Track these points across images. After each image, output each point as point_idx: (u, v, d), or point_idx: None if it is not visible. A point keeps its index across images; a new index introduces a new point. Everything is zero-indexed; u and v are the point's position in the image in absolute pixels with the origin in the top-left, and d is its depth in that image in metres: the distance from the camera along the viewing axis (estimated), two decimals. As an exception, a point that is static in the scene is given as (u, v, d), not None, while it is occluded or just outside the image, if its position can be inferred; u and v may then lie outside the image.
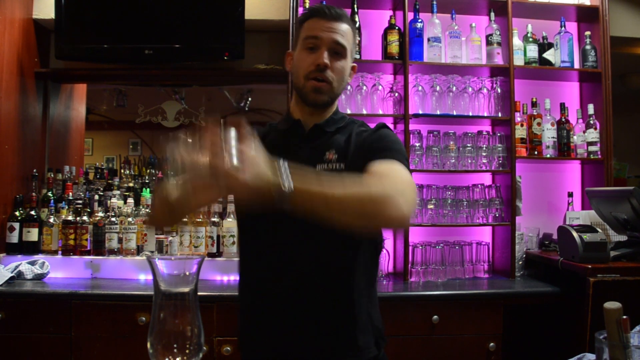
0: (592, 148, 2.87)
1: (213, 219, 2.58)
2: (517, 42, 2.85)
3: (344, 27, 1.36)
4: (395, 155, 1.25)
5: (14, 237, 2.58)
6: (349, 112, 2.73)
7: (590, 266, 2.24)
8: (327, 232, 1.29)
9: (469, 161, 2.78)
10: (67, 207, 2.64)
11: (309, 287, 1.29)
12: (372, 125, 1.43)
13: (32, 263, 2.45)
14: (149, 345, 0.87)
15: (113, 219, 2.56)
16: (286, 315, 1.30)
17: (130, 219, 2.58)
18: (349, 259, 1.32)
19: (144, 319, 2.18)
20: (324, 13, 1.35)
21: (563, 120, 2.89)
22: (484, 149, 2.79)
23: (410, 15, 2.78)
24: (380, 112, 2.80)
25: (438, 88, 2.82)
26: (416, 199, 1.30)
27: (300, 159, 1.30)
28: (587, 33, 2.94)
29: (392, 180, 1.15)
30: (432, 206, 2.72)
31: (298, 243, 1.30)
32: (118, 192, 2.72)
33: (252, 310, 1.37)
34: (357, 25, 2.77)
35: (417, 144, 2.74)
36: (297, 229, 1.28)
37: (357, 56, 2.75)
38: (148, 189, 2.72)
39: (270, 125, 1.51)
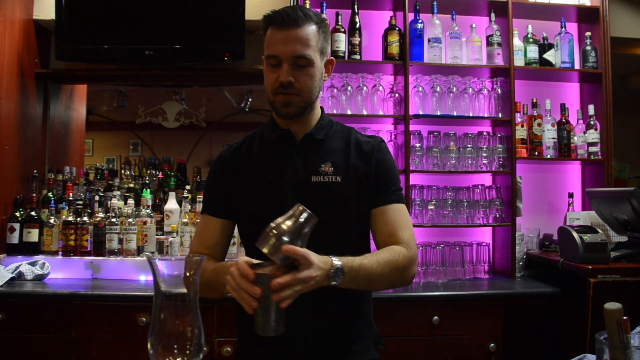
0: (592, 149, 2.87)
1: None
2: (517, 42, 2.85)
3: (305, 31, 1.28)
4: (400, 193, 1.39)
5: (14, 238, 2.58)
6: (349, 112, 2.74)
7: (590, 267, 2.24)
8: (327, 238, 1.30)
9: (470, 162, 2.78)
10: (67, 208, 2.64)
11: (310, 295, 1.28)
12: (369, 126, 1.44)
13: (33, 264, 2.45)
14: (149, 345, 0.87)
15: (113, 220, 2.56)
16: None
17: (130, 220, 2.58)
18: None
19: (144, 319, 2.18)
20: (279, 22, 1.28)
21: (563, 120, 2.89)
22: (485, 149, 2.79)
23: (410, 16, 2.78)
24: (381, 112, 2.80)
25: (438, 89, 2.82)
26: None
27: (294, 171, 1.33)
28: (588, 34, 2.95)
29: (409, 238, 1.33)
30: (432, 207, 2.72)
31: None
32: (118, 192, 2.72)
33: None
34: (357, 23, 2.77)
35: (418, 145, 2.74)
36: None
37: (358, 57, 2.75)
38: (148, 190, 2.72)
39: (251, 137, 1.46)
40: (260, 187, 1.35)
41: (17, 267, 2.40)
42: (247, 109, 3.26)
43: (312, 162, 1.34)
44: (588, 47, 2.92)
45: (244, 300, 1.06)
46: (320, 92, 1.43)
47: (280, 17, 1.28)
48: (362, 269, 1.20)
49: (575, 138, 2.92)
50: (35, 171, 2.76)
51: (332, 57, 1.40)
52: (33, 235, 2.59)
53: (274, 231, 1.08)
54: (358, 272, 1.19)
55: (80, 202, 2.62)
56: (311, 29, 1.30)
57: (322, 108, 1.44)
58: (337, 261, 1.15)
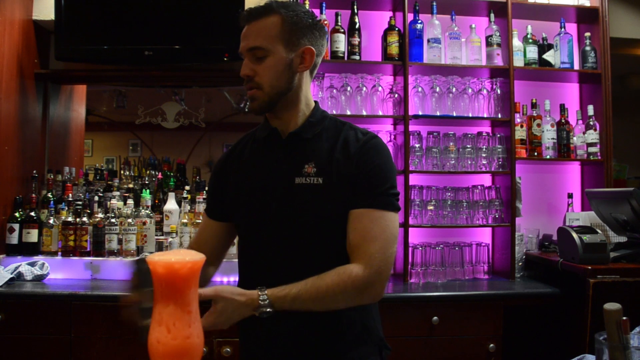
0: (591, 149, 2.87)
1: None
2: (516, 43, 2.86)
3: (262, 23, 1.27)
4: (386, 198, 1.24)
5: (13, 238, 2.58)
6: (348, 113, 2.74)
7: (590, 267, 2.24)
8: (311, 243, 1.27)
9: (469, 162, 2.78)
10: (67, 208, 2.64)
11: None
12: (368, 126, 1.40)
13: (32, 264, 2.45)
14: (149, 346, 0.87)
15: (113, 220, 2.56)
16: (272, 329, 1.26)
17: (130, 220, 2.57)
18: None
19: (143, 320, 2.18)
20: (241, 19, 1.30)
21: (563, 121, 2.89)
22: (484, 150, 2.79)
23: (410, 17, 2.78)
24: (380, 113, 2.80)
25: (438, 89, 2.82)
26: (393, 260, 1.25)
27: (279, 172, 1.29)
28: (587, 34, 2.95)
29: (373, 254, 1.19)
30: (432, 207, 2.72)
31: (285, 253, 1.27)
32: (118, 193, 2.72)
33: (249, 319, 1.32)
34: (356, 24, 2.77)
35: (417, 145, 2.74)
36: (287, 243, 1.28)
37: (357, 57, 2.75)
38: (148, 190, 2.72)
39: (247, 136, 1.45)
40: (248, 190, 1.33)
41: (17, 268, 2.40)
42: (246, 109, 3.25)
43: (296, 163, 1.28)
44: (587, 48, 2.92)
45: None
46: (302, 87, 1.32)
47: (243, 13, 1.28)
48: (297, 300, 1.14)
49: (575, 138, 2.92)
50: (34, 171, 2.76)
51: (309, 46, 1.28)
52: (32, 235, 2.59)
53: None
54: (292, 303, 1.14)
55: (80, 203, 2.62)
56: (270, 20, 1.27)
57: (316, 103, 1.37)
58: (263, 296, 1.13)
